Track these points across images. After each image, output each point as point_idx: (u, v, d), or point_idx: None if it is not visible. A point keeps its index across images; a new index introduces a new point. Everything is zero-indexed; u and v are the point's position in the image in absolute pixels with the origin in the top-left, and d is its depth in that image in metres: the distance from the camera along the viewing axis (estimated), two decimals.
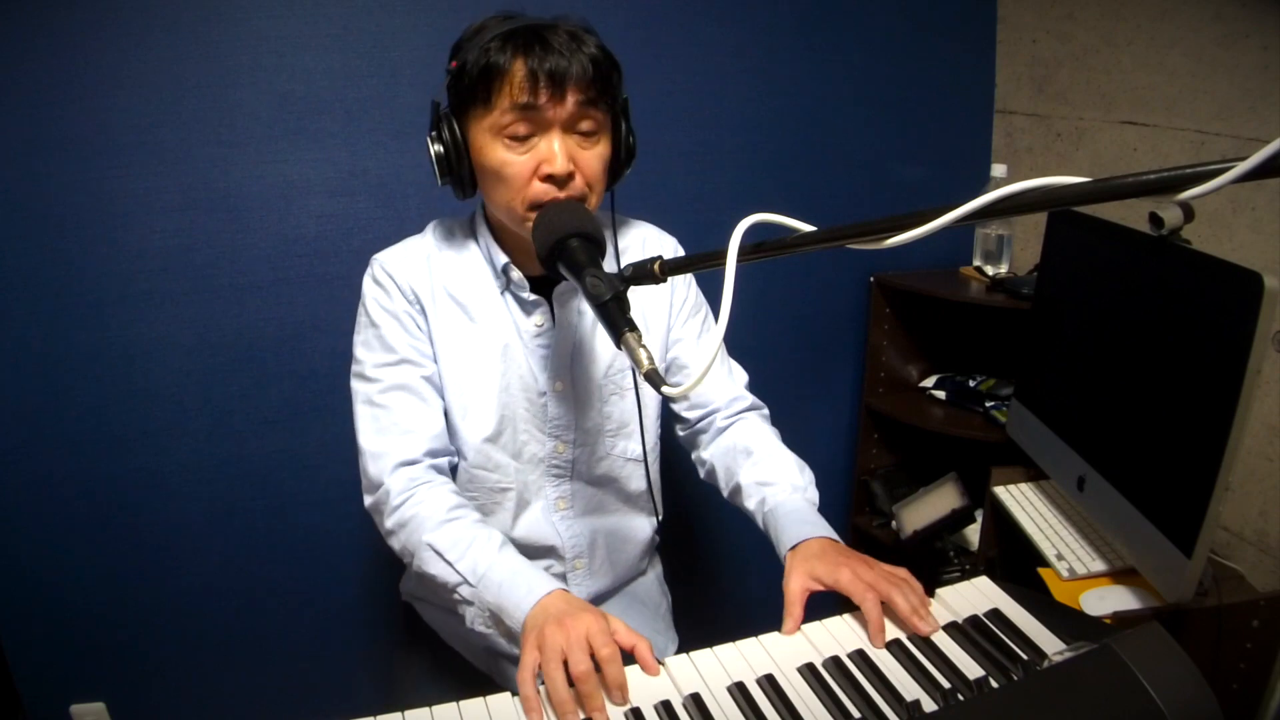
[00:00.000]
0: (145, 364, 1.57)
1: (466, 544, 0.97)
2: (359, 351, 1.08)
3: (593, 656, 0.81)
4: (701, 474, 1.23)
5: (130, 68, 1.44)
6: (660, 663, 0.85)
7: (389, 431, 1.04)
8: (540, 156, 0.96)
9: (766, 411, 1.24)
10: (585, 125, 0.97)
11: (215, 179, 1.52)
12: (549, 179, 0.96)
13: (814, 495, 1.09)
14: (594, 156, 0.99)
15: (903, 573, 0.93)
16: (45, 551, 1.61)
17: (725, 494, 1.17)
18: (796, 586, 0.93)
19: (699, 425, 1.22)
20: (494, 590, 0.93)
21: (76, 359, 1.54)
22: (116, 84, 1.44)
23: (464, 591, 0.96)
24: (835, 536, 1.01)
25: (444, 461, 1.08)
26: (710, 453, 1.20)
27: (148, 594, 1.67)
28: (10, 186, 1.44)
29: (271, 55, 1.50)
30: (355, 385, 1.08)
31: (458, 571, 0.95)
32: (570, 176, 0.97)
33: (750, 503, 1.10)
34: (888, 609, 0.88)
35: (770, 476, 1.10)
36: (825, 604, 0.95)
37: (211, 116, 1.49)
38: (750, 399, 1.22)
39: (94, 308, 1.52)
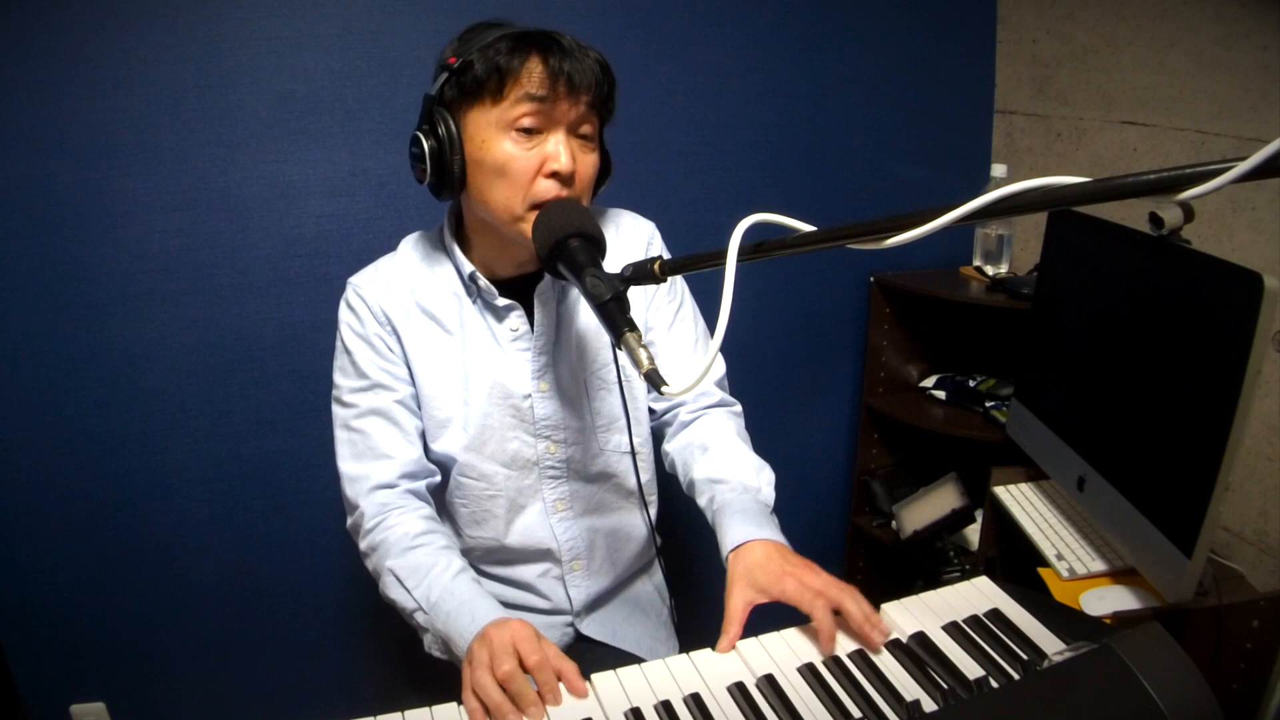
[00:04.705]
0: (145, 364, 1.57)
1: (425, 571, 0.99)
2: (336, 376, 1.09)
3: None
4: (666, 467, 1.21)
5: (130, 68, 1.44)
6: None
7: (365, 457, 1.06)
8: (545, 154, 0.96)
9: (739, 409, 1.21)
10: (586, 129, 0.99)
11: (215, 179, 1.52)
12: (554, 176, 0.96)
13: (768, 496, 1.06)
14: (589, 163, 1.00)
15: (848, 586, 0.90)
16: (45, 551, 1.61)
17: (684, 489, 1.16)
18: (738, 603, 0.90)
19: (665, 418, 1.20)
20: (443, 619, 0.94)
21: (76, 359, 1.54)
22: (116, 84, 1.44)
23: (419, 618, 0.98)
24: (782, 540, 0.97)
25: (421, 485, 1.08)
26: (673, 445, 1.18)
27: (148, 594, 1.67)
28: (10, 186, 1.44)
29: (271, 55, 1.50)
30: (334, 409, 1.09)
31: (414, 598, 0.98)
32: (573, 176, 0.97)
33: (701, 499, 1.09)
34: (840, 618, 0.86)
35: (722, 473, 1.07)
36: None
37: (211, 116, 1.49)
38: (719, 395, 1.19)
39: (94, 308, 1.52)
